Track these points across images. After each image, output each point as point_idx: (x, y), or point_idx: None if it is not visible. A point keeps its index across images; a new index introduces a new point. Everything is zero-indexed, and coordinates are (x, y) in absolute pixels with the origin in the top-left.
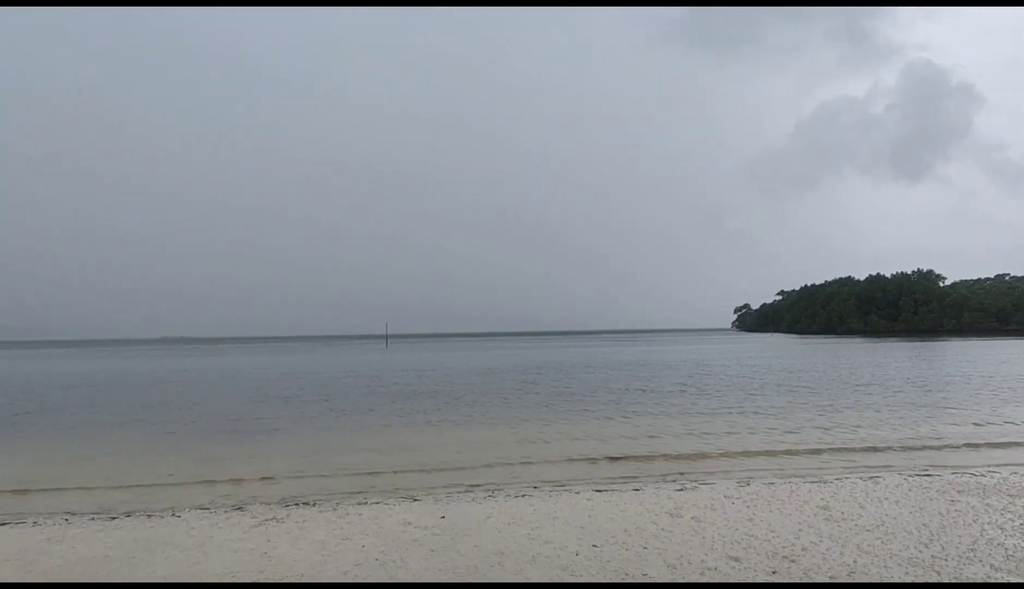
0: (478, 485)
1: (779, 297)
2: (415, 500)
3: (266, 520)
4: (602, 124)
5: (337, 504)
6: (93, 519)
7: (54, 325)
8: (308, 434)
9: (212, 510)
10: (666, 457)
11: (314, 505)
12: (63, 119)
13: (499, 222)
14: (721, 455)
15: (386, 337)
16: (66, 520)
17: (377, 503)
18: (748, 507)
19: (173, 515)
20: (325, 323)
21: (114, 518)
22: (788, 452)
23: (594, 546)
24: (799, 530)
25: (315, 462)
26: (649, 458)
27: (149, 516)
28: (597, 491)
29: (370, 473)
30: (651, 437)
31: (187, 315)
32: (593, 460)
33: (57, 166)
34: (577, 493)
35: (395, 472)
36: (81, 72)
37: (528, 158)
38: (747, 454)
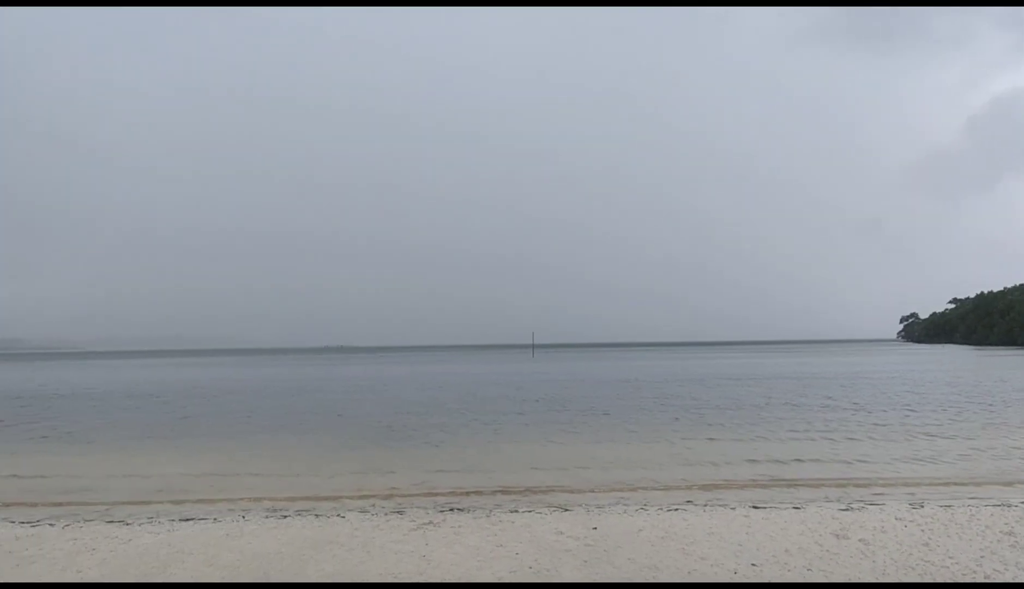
0: (629, 497)
1: (951, 305)
2: (566, 510)
3: (423, 524)
4: (758, 125)
5: (490, 511)
6: (267, 517)
7: (230, 335)
8: (459, 441)
9: (373, 513)
10: (826, 478)
11: (468, 511)
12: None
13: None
14: (890, 476)
15: (532, 347)
16: (243, 517)
17: (529, 512)
18: (923, 531)
19: (338, 516)
20: (474, 332)
21: (285, 517)
22: (968, 479)
23: (753, 565)
24: (980, 557)
25: (466, 469)
26: (810, 477)
27: (316, 516)
28: (754, 508)
29: (520, 482)
30: (812, 457)
31: (347, 326)
32: (742, 475)
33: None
34: (733, 509)
35: (544, 482)
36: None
37: (705, 158)
38: (913, 480)
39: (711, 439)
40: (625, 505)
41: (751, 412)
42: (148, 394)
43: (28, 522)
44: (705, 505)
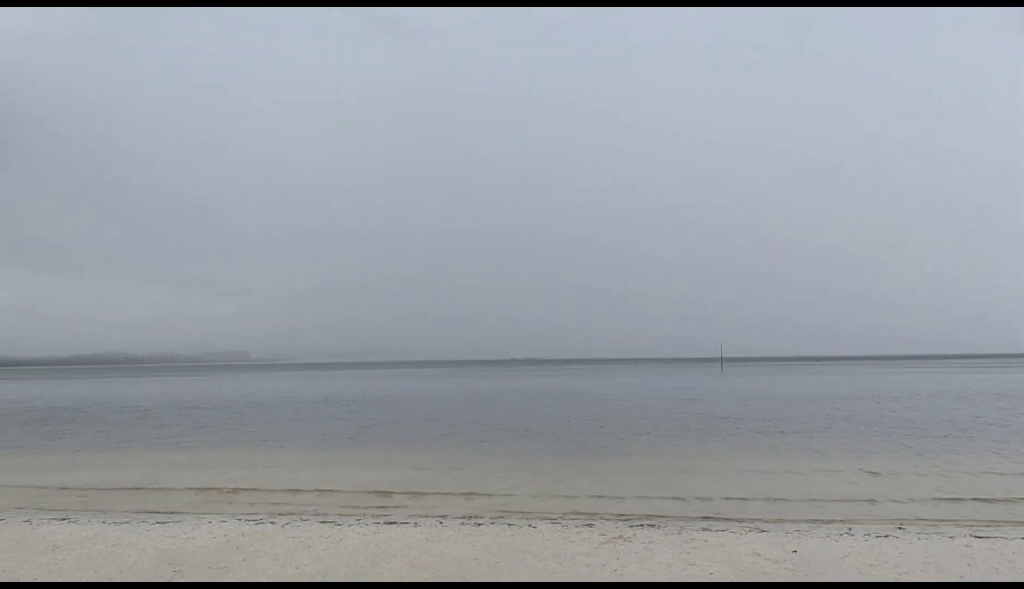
0: (831, 520)
1: None
2: (762, 531)
3: (614, 538)
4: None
5: (681, 528)
6: (463, 524)
7: (423, 347)
8: (647, 455)
9: (563, 524)
10: None
11: (659, 527)
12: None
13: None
14: None
15: (721, 360)
16: (440, 523)
17: (722, 531)
18: None
19: (529, 526)
20: (659, 344)
21: (479, 524)
22: None
23: None
24: None
25: (654, 484)
26: None
27: (509, 526)
28: (976, 537)
29: (711, 498)
30: None
31: (534, 339)
32: (960, 499)
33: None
34: (951, 538)
35: (739, 499)
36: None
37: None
38: None
39: (920, 456)
40: (827, 527)
41: (958, 431)
42: (341, 402)
43: (253, 520)
44: (919, 533)
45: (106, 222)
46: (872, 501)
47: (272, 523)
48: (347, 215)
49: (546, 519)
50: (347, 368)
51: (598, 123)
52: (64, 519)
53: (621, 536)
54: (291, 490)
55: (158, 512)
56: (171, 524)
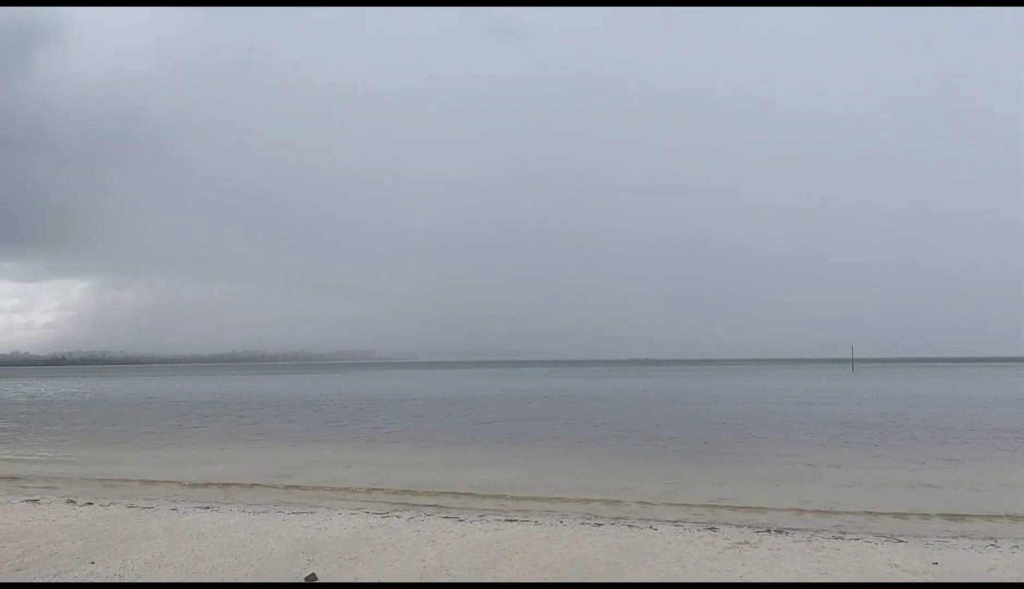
0: (973, 530)
1: None
2: (900, 540)
3: (738, 543)
4: None
5: (811, 536)
6: (583, 524)
7: (544, 346)
8: (768, 460)
9: (685, 527)
10: None
11: (786, 534)
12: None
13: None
14: None
15: (852, 361)
16: (560, 522)
17: (856, 539)
18: None
19: (650, 528)
20: (784, 345)
21: (599, 524)
22: None
23: None
24: None
25: (778, 489)
26: None
27: (630, 527)
28: None
29: (842, 506)
30: None
31: (651, 337)
32: None
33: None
34: None
35: (870, 509)
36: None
37: None
38: None
39: None
40: (970, 539)
41: None
42: (459, 400)
43: (380, 513)
44: None
45: (239, 228)
46: (1013, 517)
47: (398, 517)
48: (465, 216)
49: (668, 522)
50: (467, 367)
51: (712, 121)
52: (208, 508)
53: (747, 541)
54: (413, 485)
55: (292, 503)
56: (305, 515)
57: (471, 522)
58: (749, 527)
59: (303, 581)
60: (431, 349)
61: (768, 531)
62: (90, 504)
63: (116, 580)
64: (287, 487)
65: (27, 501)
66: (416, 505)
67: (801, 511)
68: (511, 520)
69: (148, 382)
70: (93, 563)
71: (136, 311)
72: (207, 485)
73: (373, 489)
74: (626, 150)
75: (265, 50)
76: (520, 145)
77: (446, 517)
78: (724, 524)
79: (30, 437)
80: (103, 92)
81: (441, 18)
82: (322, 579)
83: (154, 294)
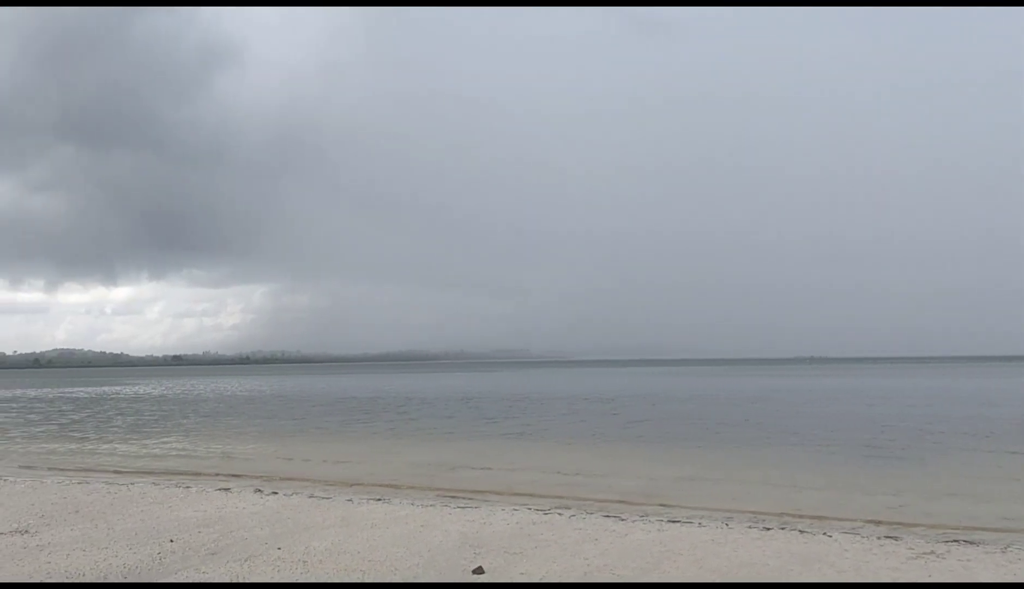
0: None
1: None
2: None
3: (923, 554)
4: None
5: (1006, 547)
6: (750, 527)
7: (703, 344)
8: (951, 465)
9: (863, 535)
10: None
11: (977, 544)
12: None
13: None
14: None
15: None
16: (726, 525)
17: None
18: None
19: (824, 535)
20: (965, 340)
21: (768, 529)
22: None
23: None
24: None
25: (968, 496)
26: None
27: (800, 532)
28: None
29: None
30: None
31: (819, 335)
32: None
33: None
34: None
35: None
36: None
37: None
38: None
39: None
40: None
41: None
42: (608, 398)
43: (541, 510)
44: None
45: (399, 231)
46: None
47: (559, 514)
48: (617, 216)
49: (842, 529)
50: (619, 365)
51: (860, 117)
52: (379, 499)
53: (932, 552)
54: (570, 483)
55: (456, 497)
56: (469, 509)
57: (633, 522)
58: (935, 537)
59: (472, 572)
60: (584, 348)
61: (956, 541)
62: (275, 493)
63: (299, 565)
64: (452, 479)
65: (220, 489)
66: (575, 503)
67: (998, 529)
68: (674, 521)
69: (320, 380)
70: (279, 549)
71: (309, 313)
72: (377, 476)
73: (529, 484)
74: (782, 149)
75: (416, 56)
76: (671, 144)
77: (607, 515)
78: (909, 534)
79: (221, 429)
80: (274, 110)
81: (585, 18)
82: (488, 572)
83: (324, 297)
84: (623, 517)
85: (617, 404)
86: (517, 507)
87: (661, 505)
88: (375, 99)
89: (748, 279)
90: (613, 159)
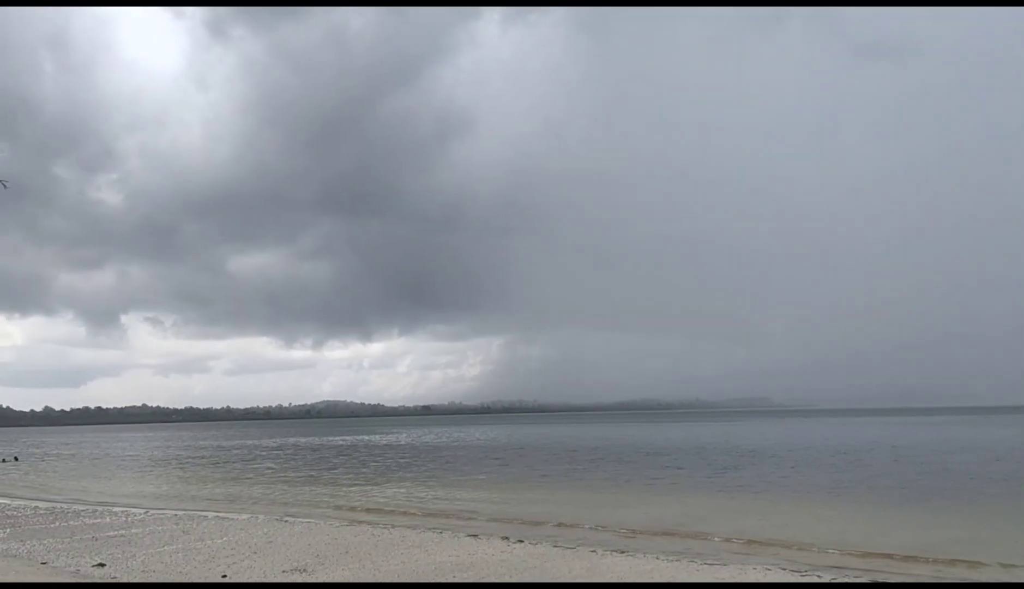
0: None
1: None
2: None
3: None
4: None
5: None
6: None
7: (967, 391)
8: None
9: None
10: None
11: None
12: None
13: None
14: None
15: None
16: None
17: None
18: None
19: None
20: None
21: None
22: None
23: None
24: None
25: None
26: None
27: None
28: None
29: None
30: None
31: None
32: None
33: None
34: None
35: None
36: None
37: None
38: None
39: None
40: None
41: None
42: (847, 449)
43: (796, 571)
44: None
45: (632, 279)
46: None
47: (819, 576)
48: (857, 242)
49: None
50: (877, 414)
51: None
52: (623, 552)
53: None
54: (820, 542)
55: (702, 553)
56: (717, 566)
57: None
58: None
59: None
60: (832, 396)
61: None
62: (521, 542)
63: None
64: (695, 535)
65: (469, 535)
66: (839, 567)
67: None
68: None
69: (552, 429)
70: None
71: (543, 363)
72: (614, 529)
73: (784, 547)
74: None
75: (634, 92)
76: (894, 161)
77: (874, 580)
78: None
79: (461, 476)
80: (503, 170)
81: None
82: None
83: (556, 347)
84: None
85: (875, 453)
86: (769, 567)
87: (944, 571)
88: (601, 148)
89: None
90: (845, 180)
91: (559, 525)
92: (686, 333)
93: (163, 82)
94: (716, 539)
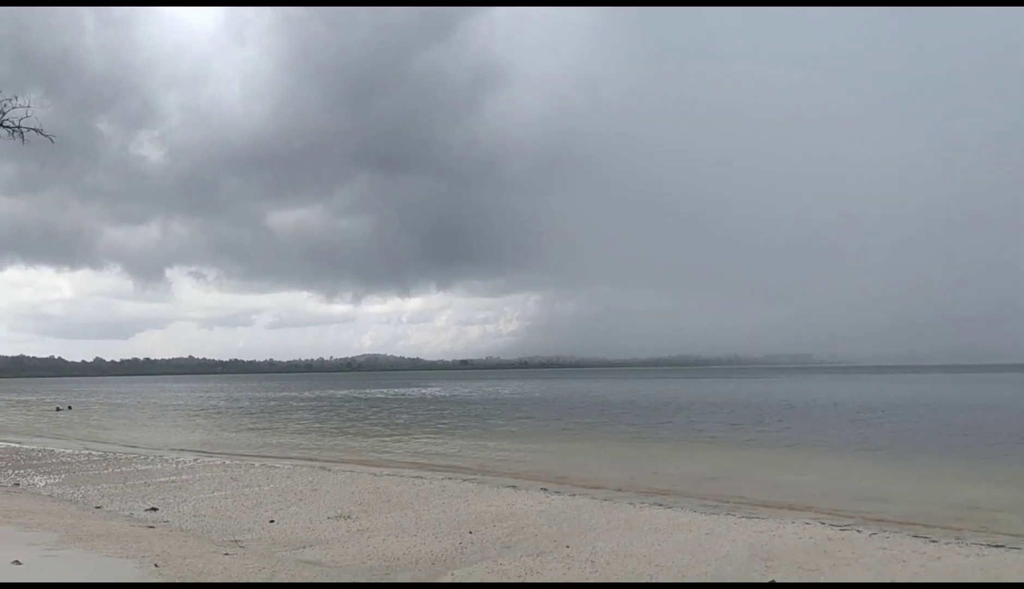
0: None
1: None
2: None
3: None
4: None
5: None
6: None
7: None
8: None
9: None
10: None
11: None
12: None
13: None
14: None
15: None
16: None
17: None
18: None
19: None
20: None
21: None
22: None
23: None
24: None
25: None
26: None
27: None
28: None
29: None
30: None
31: None
32: None
33: None
34: None
35: None
36: None
37: None
38: None
39: None
40: None
41: None
42: (890, 406)
43: (838, 525)
44: None
45: (665, 236)
46: None
47: (858, 531)
48: (902, 208)
49: None
50: (919, 371)
51: None
52: (660, 505)
53: None
54: (865, 496)
55: (740, 506)
56: (757, 520)
57: (946, 544)
58: None
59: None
60: (876, 353)
61: None
62: (559, 493)
63: (587, 564)
64: (733, 488)
65: (508, 486)
66: (878, 519)
67: None
68: (997, 546)
69: (592, 383)
70: (568, 547)
71: (580, 319)
72: (656, 480)
73: (823, 497)
74: None
75: (674, 56)
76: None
77: (915, 536)
78: None
79: (503, 427)
80: (540, 126)
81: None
82: None
83: (594, 303)
84: (934, 538)
85: (912, 411)
86: (808, 521)
87: (978, 530)
88: (638, 103)
89: None
90: (892, 148)
91: (594, 479)
92: (725, 290)
93: (202, 38)
94: (749, 494)
